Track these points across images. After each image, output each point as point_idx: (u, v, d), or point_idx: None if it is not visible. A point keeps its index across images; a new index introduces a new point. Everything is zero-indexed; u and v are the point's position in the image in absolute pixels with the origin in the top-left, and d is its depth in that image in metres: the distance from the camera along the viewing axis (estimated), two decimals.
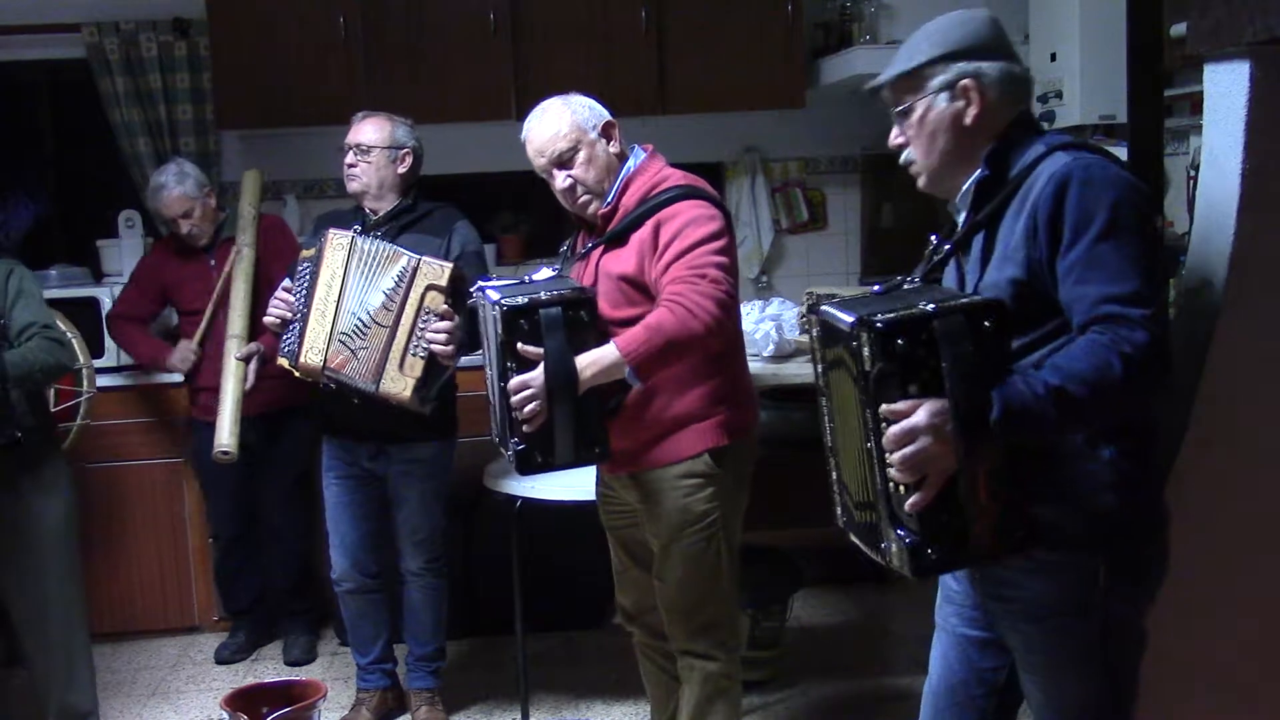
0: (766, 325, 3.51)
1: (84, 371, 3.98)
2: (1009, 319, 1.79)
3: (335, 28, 4.56)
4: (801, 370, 3.43)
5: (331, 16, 4.56)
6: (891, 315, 1.75)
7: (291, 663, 4.24)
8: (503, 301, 2.46)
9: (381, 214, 3.41)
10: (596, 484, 2.97)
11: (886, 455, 1.76)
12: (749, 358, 3.43)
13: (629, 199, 2.70)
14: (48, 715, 3.30)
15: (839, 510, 2.06)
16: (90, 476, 4.22)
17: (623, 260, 2.66)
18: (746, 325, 3.50)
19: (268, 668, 4.23)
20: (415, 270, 3.13)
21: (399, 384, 3.13)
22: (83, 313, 4.22)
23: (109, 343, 4.36)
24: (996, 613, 2.02)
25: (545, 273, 2.72)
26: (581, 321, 2.48)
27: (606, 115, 2.77)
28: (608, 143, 2.74)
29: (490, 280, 2.70)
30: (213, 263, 4.10)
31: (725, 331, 2.56)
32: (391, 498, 3.52)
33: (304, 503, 3.75)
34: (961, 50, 1.98)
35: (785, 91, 4.76)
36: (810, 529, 4.47)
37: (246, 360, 3.71)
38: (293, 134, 4.48)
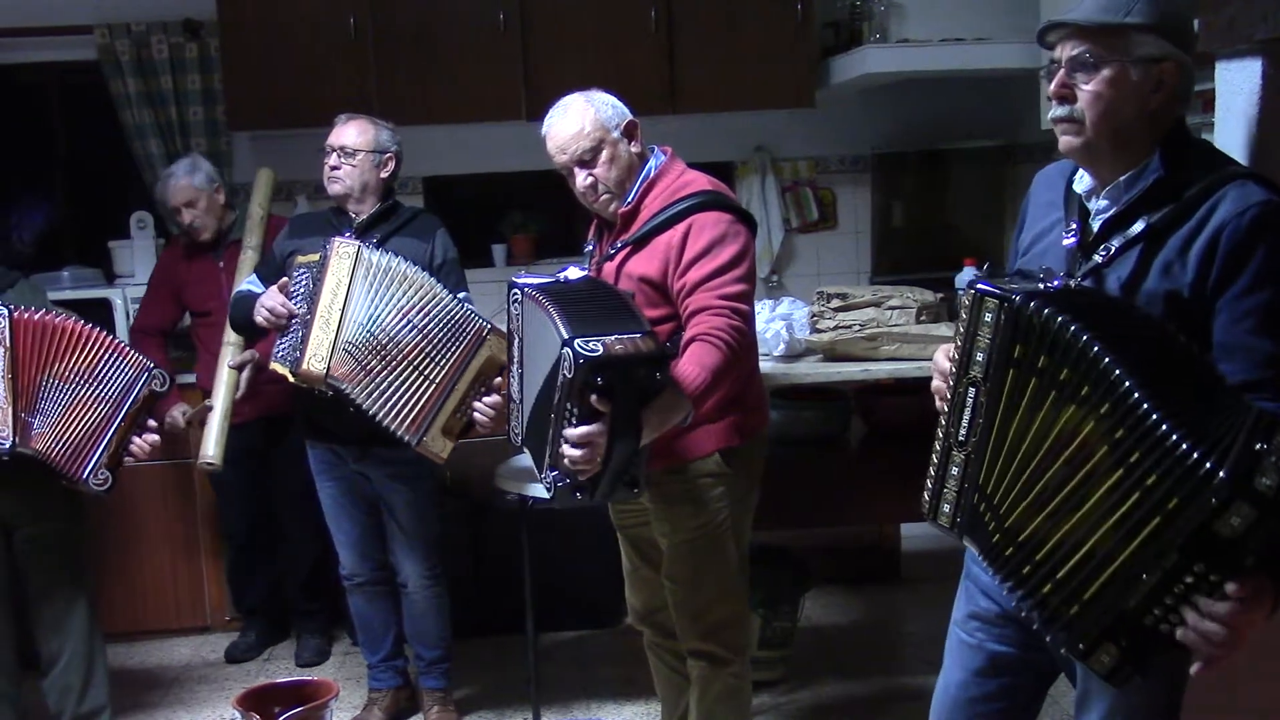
0: (777, 325, 3.50)
1: None
2: None
3: (345, 28, 4.57)
4: (811, 369, 3.42)
5: (342, 17, 4.57)
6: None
7: (304, 664, 4.25)
8: (577, 345, 2.24)
9: (363, 217, 3.39)
10: None
11: (1176, 603, 1.58)
12: (760, 357, 3.44)
13: (653, 201, 2.70)
14: (63, 717, 3.31)
15: (946, 507, 1.89)
16: (115, 490, 4.23)
17: (646, 263, 2.66)
18: (758, 324, 3.49)
19: (280, 668, 4.24)
20: (483, 339, 3.14)
21: (439, 445, 3.16)
22: (95, 314, 4.22)
23: None
24: None
25: (573, 271, 2.68)
26: (654, 382, 2.35)
27: (629, 114, 2.76)
28: (629, 142, 2.73)
29: (523, 277, 2.59)
30: (221, 264, 4.09)
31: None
32: (381, 504, 3.51)
33: (316, 504, 3.76)
34: (1173, 31, 1.83)
35: (795, 90, 4.75)
36: (821, 529, 4.48)
37: (240, 369, 3.68)
38: (303, 134, 4.47)
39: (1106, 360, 1.62)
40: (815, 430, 3.77)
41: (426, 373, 3.13)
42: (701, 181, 2.72)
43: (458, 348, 3.14)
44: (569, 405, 2.30)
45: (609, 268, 2.75)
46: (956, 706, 2.15)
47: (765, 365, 3.41)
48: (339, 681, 3.56)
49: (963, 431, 1.85)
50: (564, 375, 2.28)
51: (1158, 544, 1.57)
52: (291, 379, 3.20)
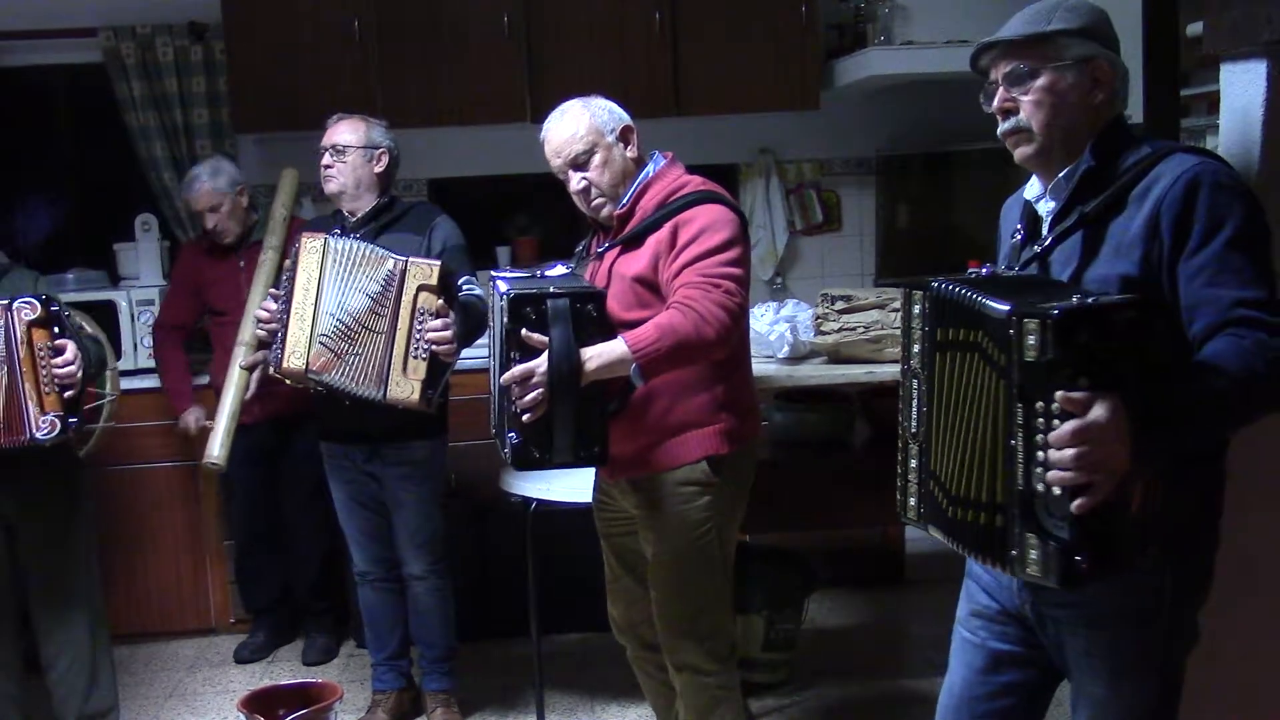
0: (781, 327, 3.50)
1: (108, 374, 3.98)
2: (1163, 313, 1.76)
3: (350, 30, 4.58)
4: (816, 372, 3.42)
5: (346, 19, 4.57)
6: (1069, 305, 1.62)
7: (311, 662, 4.26)
8: (510, 290, 2.45)
9: (360, 215, 3.42)
10: (594, 489, 2.96)
11: (1043, 453, 1.64)
12: (764, 359, 3.44)
13: (647, 203, 2.70)
14: (68, 718, 3.31)
15: (912, 501, 1.97)
16: (108, 479, 4.24)
17: (637, 261, 2.66)
18: (761, 327, 3.50)
19: (284, 669, 4.24)
20: (404, 272, 3.15)
21: (405, 388, 3.15)
22: (100, 316, 4.23)
23: (126, 345, 4.38)
24: (1057, 618, 1.96)
25: (559, 269, 2.73)
26: (589, 316, 2.45)
27: (626, 119, 2.78)
28: (625, 147, 2.74)
29: (502, 273, 2.71)
30: (242, 264, 4.11)
31: (732, 341, 2.59)
32: (389, 501, 3.53)
33: (325, 505, 3.78)
34: (1096, 32, 1.92)
35: (800, 93, 4.75)
36: (825, 531, 4.48)
37: (251, 370, 3.70)
38: (308, 137, 4.48)
39: (989, 302, 1.73)
40: (819, 432, 3.77)
41: (374, 328, 3.16)
42: (696, 183, 2.72)
43: (391, 293, 3.16)
44: (511, 354, 2.43)
45: (599, 268, 2.75)
46: (961, 705, 2.15)
47: (769, 367, 3.41)
48: (343, 683, 3.56)
49: (914, 424, 1.94)
50: (505, 325, 2.43)
51: (1009, 404, 1.69)
52: (286, 380, 3.23)
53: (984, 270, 1.93)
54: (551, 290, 2.46)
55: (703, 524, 2.71)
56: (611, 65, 4.57)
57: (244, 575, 4.40)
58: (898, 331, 3.33)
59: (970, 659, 2.14)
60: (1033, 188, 2.04)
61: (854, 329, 3.41)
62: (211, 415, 3.93)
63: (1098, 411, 1.60)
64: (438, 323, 3.14)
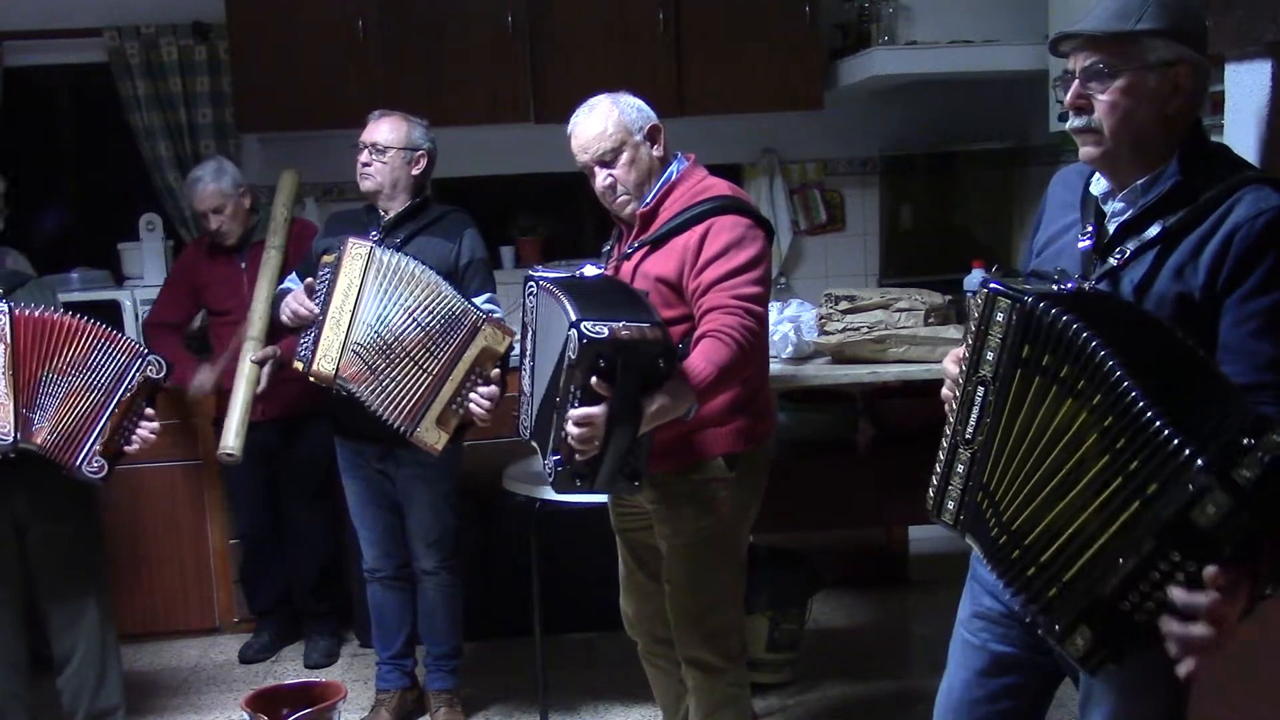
0: (785, 327, 3.50)
1: None
2: None
3: (354, 31, 4.58)
4: (819, 372, 3.42)
5: (350, 20, 4.58)
6: (1254, 478, 1.47)
7: (313, 665, 4.26)
8: (584, 326, 2.28)
9: (393, 214, 3.41)
10: None
11: (1158, 592, 1.57)
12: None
13: (672, 204, 2.72)
14: (76, 716, 3.32)
15: (950, 505, 1.90)
16: (111, 478, 4.24)
17: (662, 263, 2.67)
18: None
19: (288, 669, 4.25)
20: (478, 329, 3.15)
21: (433, 436, 3.17)
22: (104, 316, 4.21)
23: None
24: None
25: (591, 270, 2.71)
26: (658, 369, 2.36)
27: (654, 118, 2.78)
28: (651, 146, 2.75)
29: (539, 272, 2.64)
30: (243, 265, 4.10)
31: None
32: (401, 500, 3.54)
33: (327, 505, 3.77)
34: (1186, 33, 1.82)
35: (803, 93, 4.75)
36: (828, 531, 4.48)
37: (261, 364, 3.71)
38: (312, 137, 4.50)
39: (1102, 354, 1.62)
40: (823, 433, 3.77)
41: (424, 365, 3.15)
42: (721, 187, 2.74)
43: (454, 340, 3.15)
44: (572, 388, 2.33)
45: (626, 267, 2.76)
46: (960, 707, 2.15)
47: (773, 367, 3.40)
48: (346, 682, 3.58)
49: (970, 430, 1.86)
50: (569, 357, 2.31)
51: (1136, 529, 1.59)
52: (310, 378, 3.23)
53: (1068, 285, 1.82)
54: (625, 337, 2.30)
55: (718, 520, 2.73)
56: (615, 65, 4.56)
57: (249, 576, 4.40)
58: (901, 332, 3.37)
59: (971, 661, 2.13)
60: (1099, 183, 1.97)
61: (858, 329, 3.41)
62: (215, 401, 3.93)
63: (1237, 596, 1.53)
64: (490, 391, 3.15)
